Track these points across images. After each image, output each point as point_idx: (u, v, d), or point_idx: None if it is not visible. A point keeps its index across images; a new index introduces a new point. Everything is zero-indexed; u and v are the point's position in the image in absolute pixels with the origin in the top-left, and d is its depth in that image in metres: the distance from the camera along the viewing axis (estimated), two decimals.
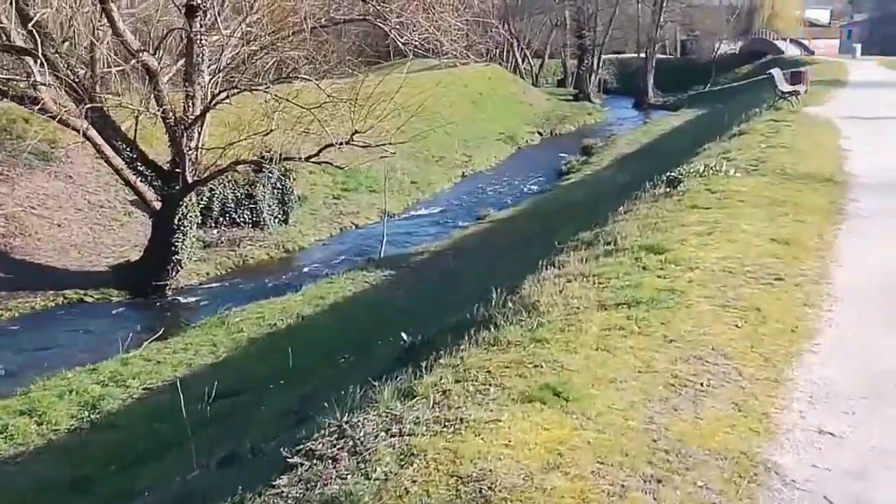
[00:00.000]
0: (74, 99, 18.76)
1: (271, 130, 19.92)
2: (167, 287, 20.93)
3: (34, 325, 18.82)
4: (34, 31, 17.49)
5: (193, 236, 21.29)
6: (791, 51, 65.66)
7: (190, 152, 19.61)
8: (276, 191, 26.07)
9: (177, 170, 19.72)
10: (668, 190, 11.57)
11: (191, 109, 19.33)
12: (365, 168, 33.13)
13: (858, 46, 64.75)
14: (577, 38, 72.03)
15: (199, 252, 23.48)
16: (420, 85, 43.88)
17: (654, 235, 8.95)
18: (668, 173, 12.44)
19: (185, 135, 19.43)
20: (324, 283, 20.45)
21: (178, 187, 19.86)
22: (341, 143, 19.20)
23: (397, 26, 21.18)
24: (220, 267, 23.12)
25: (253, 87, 20.02)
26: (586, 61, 70.29)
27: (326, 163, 21.29)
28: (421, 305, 17.89)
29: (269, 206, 25.86)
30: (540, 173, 37.75)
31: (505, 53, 72.02)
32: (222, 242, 24.41)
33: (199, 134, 20.10)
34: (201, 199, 23.94)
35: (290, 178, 26.41)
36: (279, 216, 26.19)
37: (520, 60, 73.11)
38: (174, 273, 20.98)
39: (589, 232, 10.33)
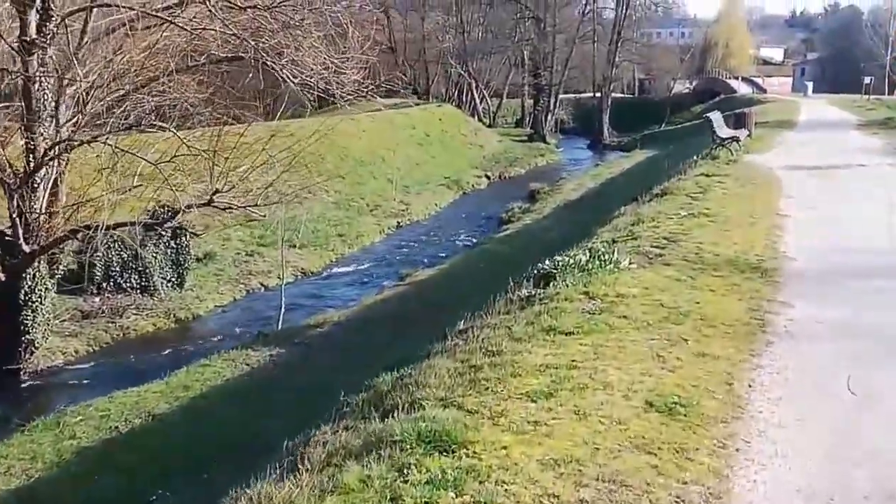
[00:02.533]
0: None
1: (132, 187, 16.62)
2: (20, 371, 17.48)
3: None
4: None
5: (48, 311, 17.84)
6: (743, 89, 63.48)
7: (32, 215, 16.28)
8: (169, 251, 22.70)
9: (8, 237, 16.35)
10: (529, 295, 8.31)
11: (30, 164, 16.04)
12: (286, 219, 30.29)
13: (810, 84, 62.49)
14: (533, 78, 69.27)
15: (73, 325, 20.09)
16: (341, 131, 40.86)
17: (463, 399, 5.67)
18: (538, 266, 9.15)
19: (22, 193, 16.12)
20: (195, 367, 17.07)
21: (18, 257, 16.47)
22: (197, 206, 15.94)
23: (288, 65, 17.96)
24: (93, 342, 19.67)
25: (93, 140, 16.66)
26: (542, 101, 67.57)
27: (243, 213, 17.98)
28: (302, 395, 14.67)
29: (161, 268, 22.48)
30: (480, 222, 34.67)
31: (463, 94, 69.22)
32: (103, 312, 20.94)
33: (46, 192, 16.78)
34: (73, 264, 20.62)
35: (184, 237, 23.02)
36: (173, 279, 22.79)
37: (478, 101, 70.30)
38: (27, 355, 17.55)
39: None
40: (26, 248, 16.13)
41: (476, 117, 66.42)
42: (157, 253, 22.35)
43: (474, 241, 31.05)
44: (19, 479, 12.66)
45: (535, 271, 9.01)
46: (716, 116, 23.35)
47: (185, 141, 16.15)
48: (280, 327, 20.25)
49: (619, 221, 12.63)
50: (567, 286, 8.23)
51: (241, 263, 26.09)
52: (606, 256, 9.06)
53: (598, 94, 69.56)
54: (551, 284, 8.38)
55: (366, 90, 20.56)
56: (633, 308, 7.65)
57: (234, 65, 20.25)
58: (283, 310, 20.86)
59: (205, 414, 14.48)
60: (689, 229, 11.20)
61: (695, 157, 21.24)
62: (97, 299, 21.41)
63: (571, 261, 8.88)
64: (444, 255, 28.68)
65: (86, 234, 16.94)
